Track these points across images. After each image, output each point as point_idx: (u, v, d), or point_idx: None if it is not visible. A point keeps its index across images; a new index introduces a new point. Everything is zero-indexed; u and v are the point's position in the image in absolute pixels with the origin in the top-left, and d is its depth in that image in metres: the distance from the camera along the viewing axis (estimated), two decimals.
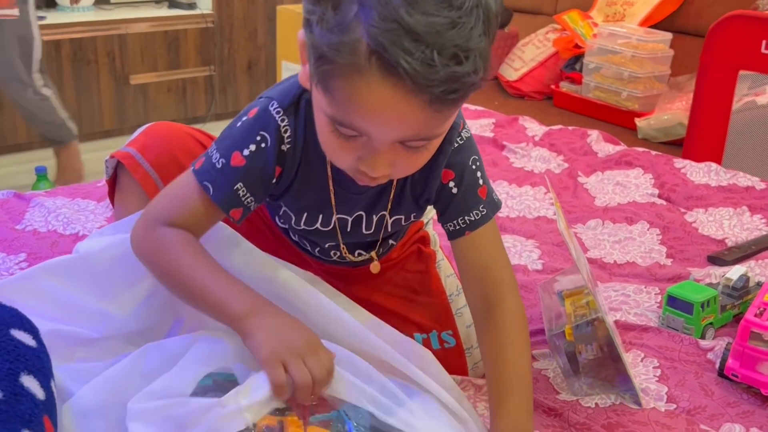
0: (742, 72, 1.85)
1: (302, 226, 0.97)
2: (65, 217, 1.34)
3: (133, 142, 1.04)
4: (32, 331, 0.79)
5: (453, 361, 1.05)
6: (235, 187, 0.88)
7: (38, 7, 3.57)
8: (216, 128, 3.82)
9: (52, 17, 3.48)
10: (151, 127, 1.07)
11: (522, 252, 1.38)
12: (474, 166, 0.93)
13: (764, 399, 1.00)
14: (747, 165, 2.21)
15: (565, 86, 3.00)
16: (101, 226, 1.34)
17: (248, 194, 0.89)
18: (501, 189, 1.63)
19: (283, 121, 0.87)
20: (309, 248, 1.05)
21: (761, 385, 0.99)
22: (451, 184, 0.92)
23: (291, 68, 3.74)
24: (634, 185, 1.63)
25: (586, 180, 1.68)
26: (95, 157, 3.56)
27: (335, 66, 0.72)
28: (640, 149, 1.80)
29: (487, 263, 0.93)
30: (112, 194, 1.07)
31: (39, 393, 0.72)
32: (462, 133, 0.92)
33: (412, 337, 1.01)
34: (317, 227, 0.97)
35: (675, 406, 0.98)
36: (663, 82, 2.79)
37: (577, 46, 3.00)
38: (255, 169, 0.88)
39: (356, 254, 1.03)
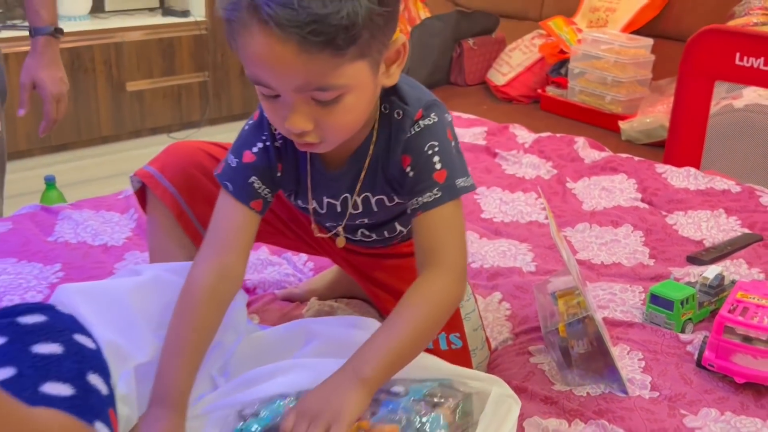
0: (717, 82, 1.97)
1: (304, 205, 1.09)
2: (93, 229, 1.44)
3: (153, 161, 1.15)
4: (90, 335, 0.89)
5: (459, 360, 1.15)
6: (250, 180, 1.00)
7: None
8: (210, 133, 3.90)
9: None
10: (170, 147, 1.18)
11: (516, 255, 1.49)
12: (431, 152, 0.97)
13: (738, 386, 1.11)
14: (725, 166, 2.33)
15: (551, 90, 3.12)
16: (127, 237, 1.45)
17: (263, 186, 1.01)
18: (495, 195, 1.74)
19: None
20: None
21: (735, 374, 1.11)
22: (408, 168, 0.98)
23: None
24: (619, 190, 1.75)
25: (574, 185, 1.80)
26: (93, 162, 3.65)
27: (232, 26, 0.85)
28: (624, 155, 1.92)
29: (434, 245, 0.96)
30: (143, 205, 1.17)
31: (104, 389, 0.83)
32: (420, 122, 0.98)
33: None
34: (314, 208, 1.08)
35: (658, 393, 1.09)
36: (645, 86, 2.91)
37: (562, 52, 3.12)
38: (264, 163, 1.01)
39: (358, 234, 1.11)
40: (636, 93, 2.87)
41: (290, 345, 1.00)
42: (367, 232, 1.13)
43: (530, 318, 1.27)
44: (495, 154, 1.95)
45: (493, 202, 1.72)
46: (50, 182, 2.51)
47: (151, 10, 4.05)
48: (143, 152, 3.76)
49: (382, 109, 0.99)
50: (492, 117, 2.94)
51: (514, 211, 1.68)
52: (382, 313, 1.21)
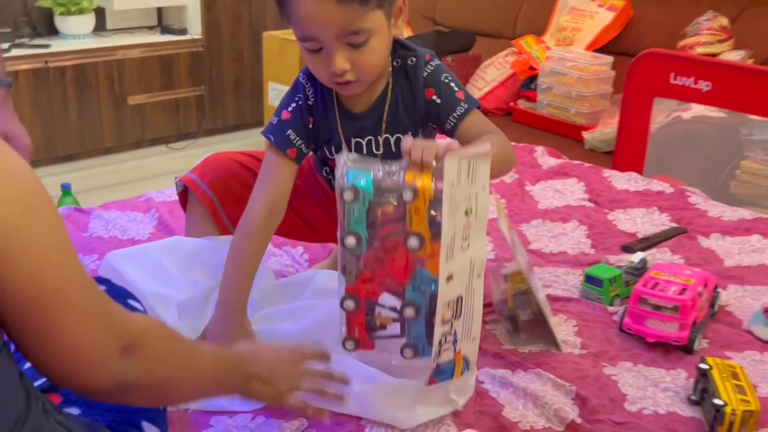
0: (656, 98, 2.25)
1: (335, 156, 1.34)
2: (121, 226, 1.70)
3: (194, 169, 1.42)
4: (138, 300, 1.16)
5: None
6: (287, 133, 1.29)
7: (41, 35, 3.91)
8: (207, 143, 4.19)
9: (57, 45, 3.78)
10: (209, 157, 1.45)
11: None
12: (446, 80, 1.29)
13: (649, 345, 1.38)
14: (675, 170, 2.61)
15: (522, 104, 3.39)
16: (151, 232, 1.71)
17: (298, 138, 1.30)
18: None
19: (306, 83, 1.32)
20: None
21: (647, 335, 1.38)
22: (434, 97, 1.29)
23: (277, 88, 4.09)
24: (570, 192, 2.03)
25: (532, 188, 2.07)
26: (97, 172, 3.89)
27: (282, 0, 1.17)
28: (576, 162, 2.20)
29: (479, 134, 1.27)
30: (183, 206, 1.44)
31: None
32: (431, 63, 1.30)
33: None
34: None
35: (586, 351, 1.36)
36: (606, 100, 3.19)
37: (532, 68, 3.39)
38: (297, 119, 1.31)
39: None
40: (598, 106, 3.16)
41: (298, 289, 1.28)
42: None
43: (487, 296, 1.52)
44: None
45: None
46: (66, 189, 2.75)
47: (150, 28, 4.31)
48: (144, 162, 4.04)
49: (395, 64, 1.30)
50: None
51: None
52: None
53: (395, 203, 1.03)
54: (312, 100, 1.32)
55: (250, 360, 0.98)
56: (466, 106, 1.29)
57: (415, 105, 1.31)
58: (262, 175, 1.31)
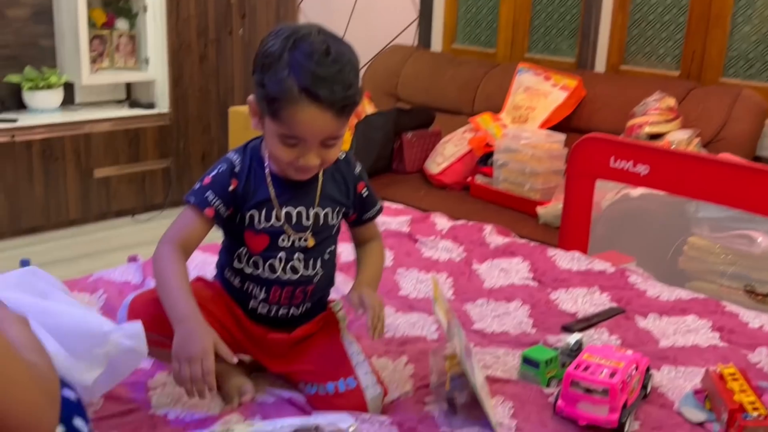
0: (598, 180, 2.34)
1: (262, 225, 1.44)
2: None
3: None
4: (73, 388, 1.18)
5: (353, 398, 1.44)
6: (206, 195, 1.42)
7: (9, 109, 3.96)
8: (173, 214, 4.22)
9: (24, 119, 3.83)
10: (131, 305, 1.45)
11: (424, 326, 1.80)
12: (368, 181, 1.55)
13: (581, 428, 1.42)
14: (622, 245, 2.69)
15: (479, 179, 3.48)
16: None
17: (216, 198, 1.41)
18: (412, 275, 2.07)
19: (234, 156, 1.45)
20: (257, 292, 1.48)
21: (579, 418, 1.42)
22: (364, 191, 1.54)
23: None
24: (515, 270, 2.08)
25: (479, 267, 2.13)
26: (61, 244, 3.90)
27: (281, 102, 1.30)
28: (522, 241, 2.26)
29: (374, 235, 1.60)
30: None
31: (85, 429, 1.11)
32: (357, 162, 1.54)
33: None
34: (272, 224, 1.44)
35: None
36: (559, 176, 3.28)
37: (488, 145, 3.50)
38: (218, 182, 1.42)
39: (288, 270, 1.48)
40: (551, 182, 3.25)
41: None
42: (300, 262, 1.47)
43: (428, 377, 1.57)
44: (416, 240, 2.28)
45: (410, 282, 2.05)
46: (25, 265, 2.76)
47: (118, 102, 4.38)
48: (109, 233, 4.06)
49: None
50: (427, 202, 3.30)
51: (427, 288, 2.00)
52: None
53: None
54: (238, 167, 1.44)
55: None
56: (378, 208, 1.58)
57: (348, 191, 1.52)
58: (178, 224, 1.43)
